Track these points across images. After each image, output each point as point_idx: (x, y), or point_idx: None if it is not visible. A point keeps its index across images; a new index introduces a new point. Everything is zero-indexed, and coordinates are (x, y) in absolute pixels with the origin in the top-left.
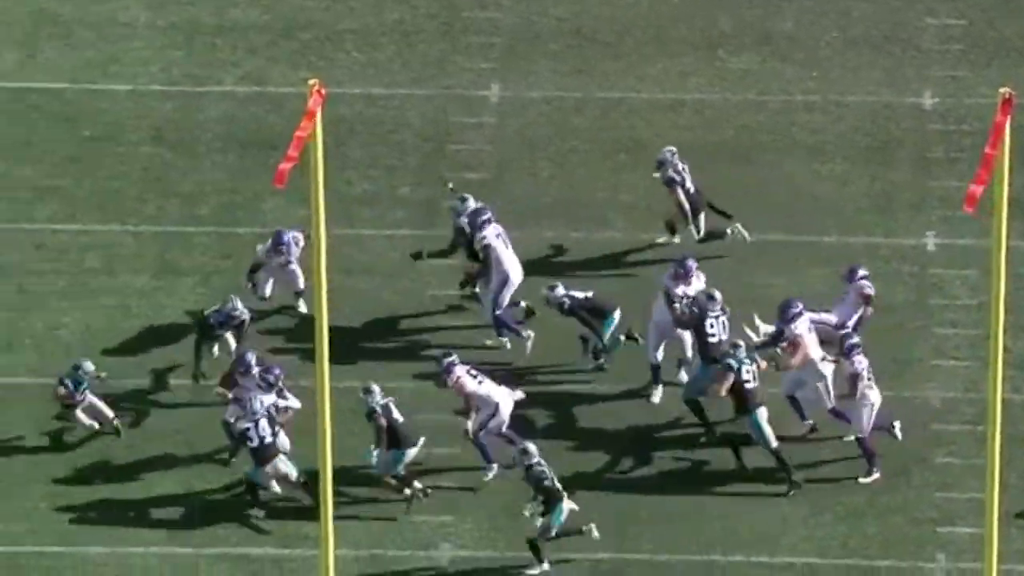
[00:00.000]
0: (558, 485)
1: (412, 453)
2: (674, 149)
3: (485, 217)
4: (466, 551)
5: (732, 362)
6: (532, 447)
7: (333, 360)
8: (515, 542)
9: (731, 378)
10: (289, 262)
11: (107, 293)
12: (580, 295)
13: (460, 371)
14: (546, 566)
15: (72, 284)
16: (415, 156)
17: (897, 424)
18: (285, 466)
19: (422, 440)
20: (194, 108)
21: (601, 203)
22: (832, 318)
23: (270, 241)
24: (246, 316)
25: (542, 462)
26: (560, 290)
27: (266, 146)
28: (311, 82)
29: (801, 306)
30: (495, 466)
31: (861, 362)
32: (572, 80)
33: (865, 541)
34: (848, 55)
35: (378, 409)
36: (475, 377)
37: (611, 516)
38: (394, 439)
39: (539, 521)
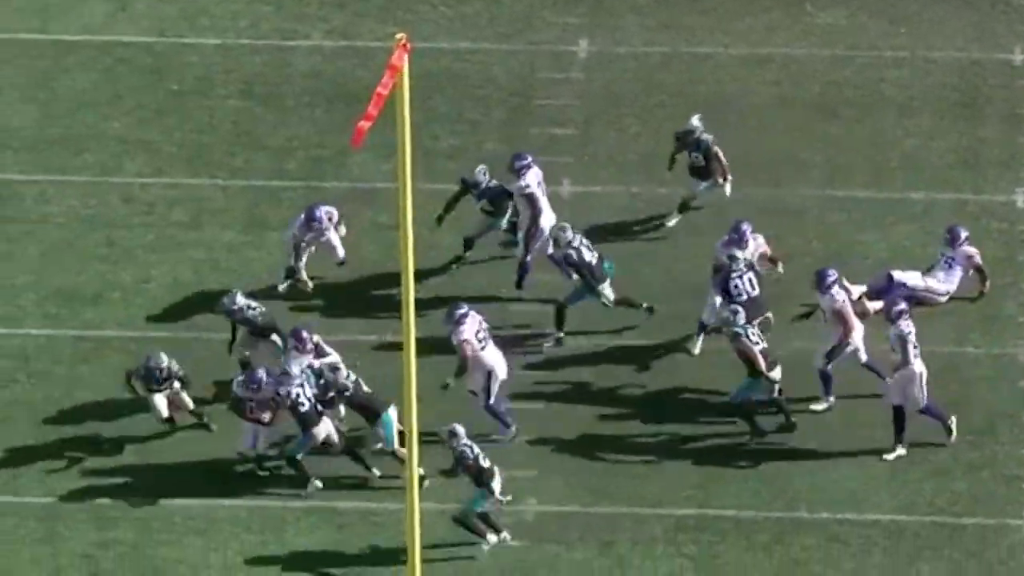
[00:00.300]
0: (484, 464)
1: (392, 416)
2: (700, 115)
3: (525, 162)
4: (551, 506)
5: (738, 330)
6: (460, 429)
7: (418, 313)
8: (600, 498)
9: (746, 343)
10: (323, 234)
11: (195, 247)
12: (587, 256)
13: (468, 331)
14: (493, 538)
15: (160, 238)
16: (501, 111)
17: (953, 421)
18: (331, 434)
19: (393, 407)
20: (282, 62)
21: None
22: (940, 286)
23: (302, 216)
24: (246, 314)
25: (468, 442)
26: (568, 233)
27: (353, 100)
28: (397, 36)
29: (837, 274)
30: (514, 429)
31: (908, 326)
32: (659, 35)
33: (952, 498)
34: (937, 10)
35: (350, 386)
36: (481, 342)
37: (695, 473)
38: (365, 411)
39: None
